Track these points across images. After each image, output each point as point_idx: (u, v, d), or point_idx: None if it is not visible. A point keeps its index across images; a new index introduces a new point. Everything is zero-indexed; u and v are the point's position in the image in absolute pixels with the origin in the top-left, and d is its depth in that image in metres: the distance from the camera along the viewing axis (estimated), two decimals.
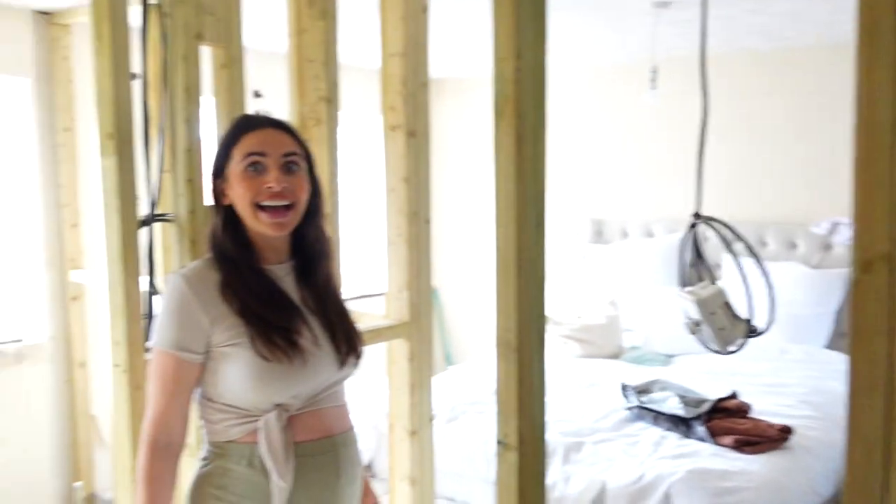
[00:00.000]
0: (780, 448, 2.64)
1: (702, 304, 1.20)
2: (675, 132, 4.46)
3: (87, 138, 3.23)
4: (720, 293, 1.26)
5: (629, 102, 4.46)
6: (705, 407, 2.79)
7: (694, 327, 1.30)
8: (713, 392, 3.02)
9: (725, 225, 1.28)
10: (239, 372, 1.36)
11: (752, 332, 1.23)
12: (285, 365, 1.36)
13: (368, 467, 3.28)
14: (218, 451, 1.41)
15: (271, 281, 1.42)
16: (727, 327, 1.22)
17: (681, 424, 2.79)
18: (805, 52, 3.98)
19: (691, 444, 2.67)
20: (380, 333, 2.19)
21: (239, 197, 1.38)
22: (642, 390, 3.05)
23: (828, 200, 3.94)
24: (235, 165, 1.38)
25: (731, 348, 1.27)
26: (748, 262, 1.54)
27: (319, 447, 1.41)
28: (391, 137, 2.15)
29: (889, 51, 0.85)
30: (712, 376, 3.46)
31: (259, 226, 1.38)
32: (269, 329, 1.36)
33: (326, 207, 1.73)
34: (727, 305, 1.24)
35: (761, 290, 1.45)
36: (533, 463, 1.28)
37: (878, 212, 0.89)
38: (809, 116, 3.99)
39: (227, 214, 1.40)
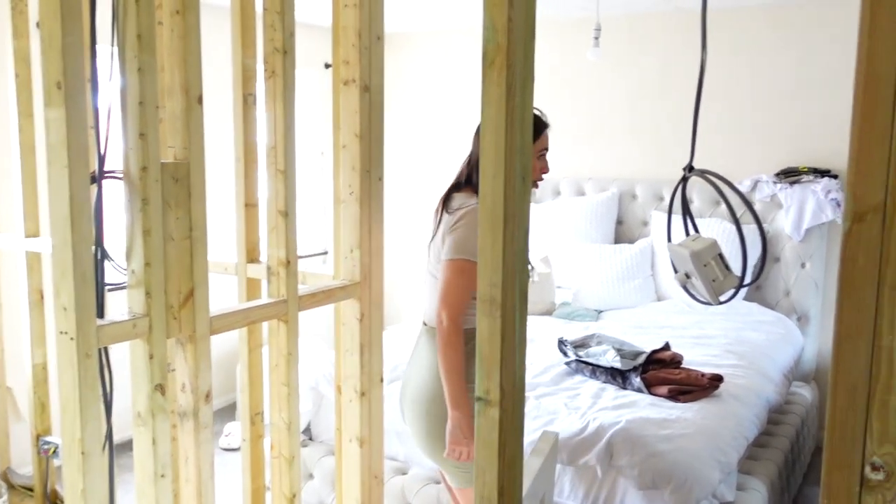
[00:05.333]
0: (711, 396, 2.77)
1: (695, 256, 1.23)
2: (608, 92, 4.52)
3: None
4: (714, 245, 1.29)
5: (567, 60, 4.49)
6: (641, 359, 2.89)
7: (684, 279, 1.33)
8: (645, 345, 3.13)
9: (720, 177, 1.30)
10: None
11: (742, 282, 1.27)
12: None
13: (307, 430, 3.25)
14: (473, 335, 1.97)
15: None
16: (719, 278, 1.25)
17: (618, 376, 2.88)
18: (734, 13, 4.09)
19: (629, 395, 2.77)
20: (331, 294, 2.15)
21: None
22: (579, 345, 3.12)
23: (749, 159, 4.10)
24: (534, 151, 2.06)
25: (722, 299, 1.30)
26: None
27: None
28: (344, 92, 2.09)
29: (893, 3, 0.87)
30: (641, 330, 3.58)
31: None
32: None
33: (282, 165, 1.73)
34: (720, 257, 1.27)
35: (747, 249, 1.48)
36: (513, 418, 1.29)
37: (875, 163, 0.92)
38: (732, 78, 4.12)
39: None
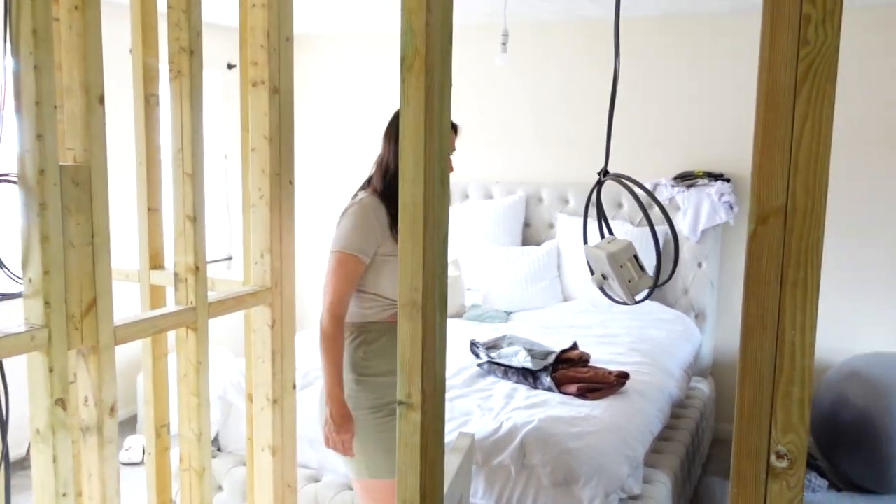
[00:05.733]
0: (618, 393, 2.85)
1: (612, 257, 1.26)
2: (514, 97, 4.60)
3: None
4: (629, 247, 1.33)
5: (475, 65, 4.53)
6: (551, 359, 2.95)
7: (601, 280, 1.37)
8: (553, 345, 3.19)
9: (634, 181, 1.34)
10: (393, 274, 2.07)
11: (656, 283, 1.31)
12: None
13: (215, 440, 3.15)
14: (363, 329, 2.17)
15: None
16: (634, 279, 1.29)
17: (529, 376, 2.93)
18: (633, 23, 4.24)
19: (540, 395, 2.82)
20: (241, 301, 2.10)
21: None
22: (491, 346, 3.16)
23: (648, 163, 4.26)
24: None
25: (638, 299, 1.34)
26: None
27: None
28: (253, 94, 2.04)
29: (793, 15, 0.93)
30: (549, 330, 3.66)
31: None
32: None
33: (190, 168, 1.71)
34: (636, 259, 1.31)
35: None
36: (434, 421, 1.29)
37: (777, 169, 0.97)
38: (631, 86, 4.27)
39: None
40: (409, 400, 1.25)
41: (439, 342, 1.27)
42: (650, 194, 1.38)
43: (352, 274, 2.12)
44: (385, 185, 2.17)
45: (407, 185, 1.19)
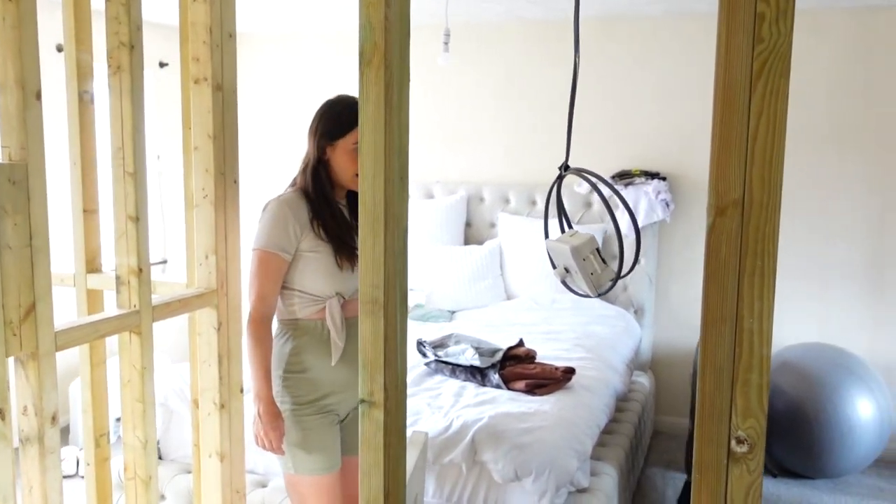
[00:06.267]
0: (565, 388, 2.89)
1: (575, 251, 1.27)
2: (456, 97, 4.61)
3: None
4: (591, 240, 1.35)
5: (416, 65, 4.52)
6: (498, 356, 2.97)
7: (564, 273, 1.38)
8: (499, 342, 3.21)
9: (595, 174, 1.35)
10: (317, 271, 2.12)
11: (618, 275, 1.33)
12: (346, 270, 2.14)
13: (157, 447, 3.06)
14: (290, 326, 2.17)
15: (344, 213, 2.18)
16: (597, 271, 1.31)
17: (477, 374, 2.94)
18: (562, 23, 4.30)
19: (489, 392, 2.83)
20: (186, 303, 2.05)
21: (346, 163, 2.12)
22: (438, 345, 3.16)
23: (587, 162, 4.31)
24: (348, 144, 2.10)
25: (601, 291, 1.36)
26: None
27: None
28: (196, 91, 1.99)
29: (748, 14, 0.95)
30: (494, 328, 3.68)
31: (351, 185, 2.15)
32: (343, 246, 2.13)
33: (131, 167, 1.67)
34: (597, 252, 1.32)
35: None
36: (396, 419, 1.28)
37: (733, 163, 1.00)
38: (568, 85, 4.33)
39: (325, 166, 2.15)
40: (371, 398, 1.24)
41: (400, 340, 1.26)
42: (612, 188, 1.40)
43: (273, 272, 2.10)
44: (305, 180, 2.16)
45: (367, 182, 1.18)
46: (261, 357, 2.10)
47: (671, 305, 4.30)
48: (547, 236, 1.51)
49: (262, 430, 2.13)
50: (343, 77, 4.76)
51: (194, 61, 1.96)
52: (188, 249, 2.20)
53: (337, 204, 2.17)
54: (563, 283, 1.44)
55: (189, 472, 2.86)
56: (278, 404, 2.15)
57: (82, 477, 3.64)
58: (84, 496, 2.28)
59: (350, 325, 2.15)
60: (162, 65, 4.65)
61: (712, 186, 1.01)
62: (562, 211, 1.50)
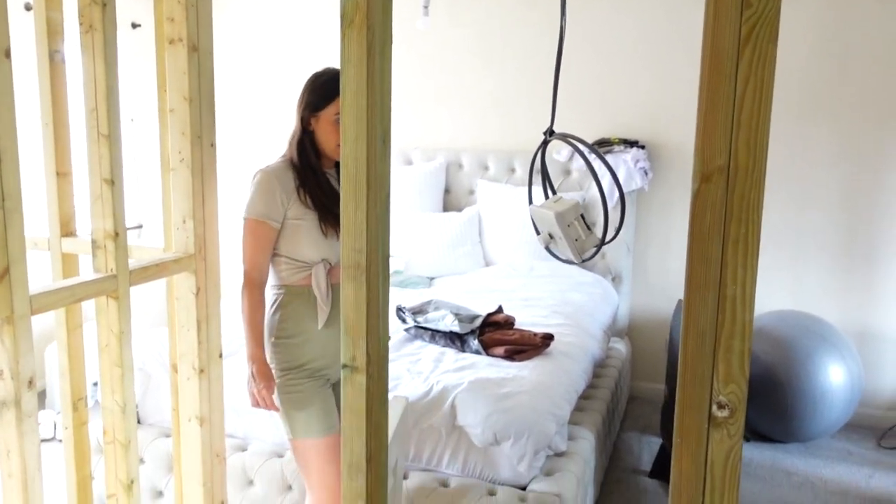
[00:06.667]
0: (543, 354, 2.91)
1: (560, 216, 1.27)
2: (435, 63, 4.56)
3: None
4: (576, 206, 1.34)
5: (396, 29, 4.46)
6: (478, 322, 2.98)
7: (548, 239, 1.37)
8: (478, 309, 3.22)
9: (580, 140, 1.34)
10: (303, 238, 2.18)
11: (602, 240, 1.33)
12: (332, 237, 2.19)
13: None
14: (282, 291, 2.24)
15: (331, 182, 2.23)
16: (581, 237, 1.30)
17: (456, 340, 2.95)
18: None
19: (468, 358, 2.85)
20: (164, 268, 2.02)
21: (328, 134, 2.18)
22: (417, 311, 3.16)
23: (566, 129, 4.31)
24: (330, 115, 2.17)
25: (585, 256, 1.36)
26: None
27: None
28: (170, 52, 1.94)
29: None
30: (471, 294, 3.69)
31: (334, 155, 2.20)
32: (328, 214, 2.18)
33: (106, 129, 1.65)
34: (582, 217, 1.32)
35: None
36: (378, 384, 1.28)
37: (719, 129, 0.99)
38: (550, 52, 4.30)
39: (310, 136, 2.21)
40: (353, 363, 1.24)
41: (382, 305, 1.25)
42: (597, 152, 1.39)
43: (262, 239, 2.20)
44: (291, 150, 2.25)
45: (349, 144, 1.16)
46: (253, 321, 2.20)
47: (648, 273, 4.34)
48: (531, 202, 1.50)
49: (256, 389, 2.22)
50: (323, 39, 4.69)
51: (168, 21, 1.91)
52: (165, 214, 2.17)
53: (324, 174, 2.23)
54: (547, 249, 1.44)
55: (168, 436, 2.86)
56: (272, 370, 2.23)
57: (60, 440, 3.63)
58: (62, 460, 2.27)
59: (336, 290, 2.22)
60: (134, 26, 4.55)
61: (698, 153, 1.01)
62: (546, 177, 1.49)
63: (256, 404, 2.26)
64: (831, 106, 3.95)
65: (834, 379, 3.48)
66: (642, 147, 4.17)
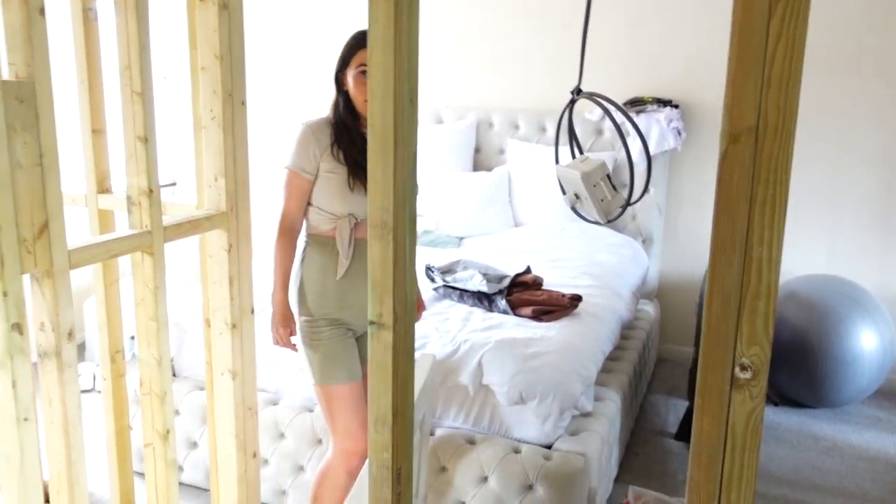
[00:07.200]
0: (571, 315, 2.92)
1: (586, 177, 1.26)
2: (465, 21, 4.51)
3: None
4: (602, 166, 1.33)
5: None
6: (506, 282, 2.99)
7: (574, 199, 1.37)
8: (507, 269, 3.23)
9: (608, 99, 1.33)
10: (331, 190, 2.27)
11: (628, 201, 1.32)
12: (358, 192, 2.26)
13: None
14: (311, 239, 2.35)
15: (365, 140, 2.18)
16: (607, 198, 1.30)
17: (484, 300, 2.97)
18: None
19: (496, 317, 2.87)
20: (197, 225, 2.05)
21: (355, 90, 2.25)
22: (446, 270, 3.18)
23: (598, 88, 4.25)
24: (351, 71, 2.24)
25: (610, 217, 1.36)
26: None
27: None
28: (201, 9, 1.95)
29: None
30: (501, 255, 3.70)
31: (364, 111, 2.21)
32: (358, 169, 2.25)
33: (139, 87, 1.67)
34: (608, 178, 1.31)
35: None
36: (405, 341, 1.30)
37: (750, 88, 0.98)
38: (579, 10, 4.22)
39: (346, 96, 2.28)
40: (380, 320, 1.26)
41: (409, 263, 1.27)
42: (624, 112, 1.38)
43: (296, 189, 2.31)
44: (331, 109, 2.35)
45: (376, 103, 1.16)
46: (281, 265, 2.33)
47: (679, 235, 4.30)
48: (557, 162, 1.50)
49: (274, 328, 2.36)
50: None
51: None
52: (197, 171, 2.20)
53: (359, 132, 2.30)
54: (573, 209, 1.44)
55: (202, 389, 2.94)
56: (296, 317, 2.35)
57: (99, 392, 3.74)
58: (102, 410, 2.35)
59: (360, 246, 2.30)
60: None
61: (727, 112, 0.99)
62: (573, 136, 1.48)
63: (276, 342, 2.39)
64: (876, 61, 3.83)
65: (865, 344, 3.44)
66: (676, 106, 4.11)
